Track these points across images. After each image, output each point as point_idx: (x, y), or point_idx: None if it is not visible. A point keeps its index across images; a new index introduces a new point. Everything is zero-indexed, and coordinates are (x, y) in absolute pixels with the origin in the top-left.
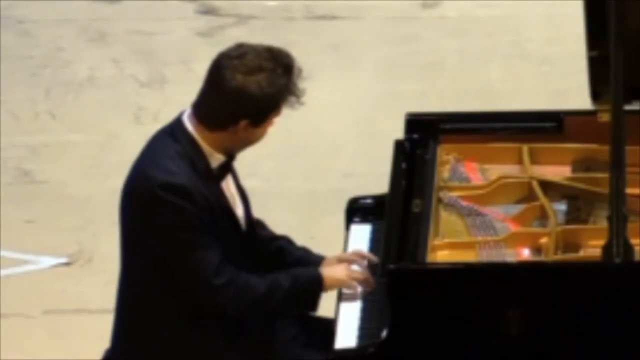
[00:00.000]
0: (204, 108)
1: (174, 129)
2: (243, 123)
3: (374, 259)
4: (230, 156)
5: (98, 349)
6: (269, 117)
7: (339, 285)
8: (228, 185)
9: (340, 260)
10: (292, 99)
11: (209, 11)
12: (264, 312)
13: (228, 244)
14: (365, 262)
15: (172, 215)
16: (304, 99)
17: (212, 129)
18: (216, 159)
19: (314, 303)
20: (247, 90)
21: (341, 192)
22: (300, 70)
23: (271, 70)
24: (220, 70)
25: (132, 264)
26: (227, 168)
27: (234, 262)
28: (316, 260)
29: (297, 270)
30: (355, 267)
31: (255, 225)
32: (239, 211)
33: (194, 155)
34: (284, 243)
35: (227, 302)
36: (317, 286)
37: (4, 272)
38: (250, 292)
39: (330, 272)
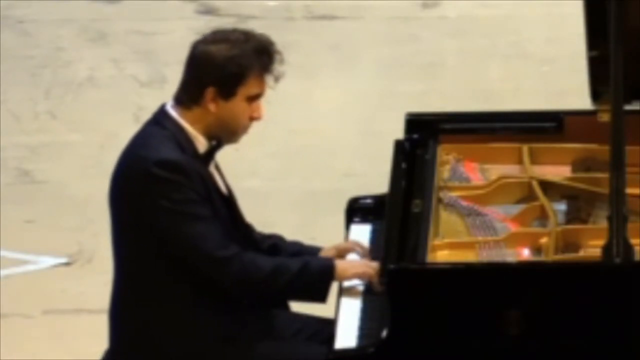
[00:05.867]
0: (178, 88)
1: (159, 118)
2: (210, 92)
3: (368, 253)
4: (217, 143)
5: (98, 349)
6: (237, 88)
7: (353, 272)
8: (216, 175)
9: (338, 250)
10: (268, 77)
11: (209, 11)
12: (268, 292)
13: (226, 227)
14: (363, 255)
15: (169, 191)
16: (304, 98)
17: (187, 106)
18: (202, 144)
19: (323, 292)
20: (208, 54)
21: (341, 192)
22: (280, 55)
23: (237, 41)
24: (191, 49)
25: (129, 256)
26: (213, 152)
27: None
28: (312, 251)
29: (309, 257)
30: (353, 256)
31: (247, 225)
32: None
33: (181, 138)
34: (276, 240)
35: (231, 276)
36: (327, 275)
37: (4, 272)
38: (255, 270)
39: (344, 262)
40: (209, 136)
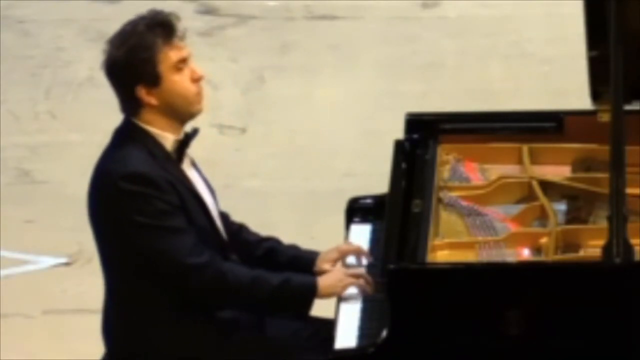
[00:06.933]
0: (119, 105)
1: (124, 128)
2: (140, 90)
3: (370, 258)
4: (186, 135)
5: (98, 349)
6: (156, 70)
7: (336, 291)
8: (190, 171)
9: (339, 252)
10: (176, 41)
11: (209, 11)
12: (245, 303)
13: (203, 230)
14: (363, 259)
15: (138, 205)
16: (304, 98)
17: (135, 113)
18: (169, 140)
19: (304, 309)
20: (114, 61)
21: (341, 192)
22: (172, 14)
23: (129, 33)
24: (103, 68)
25: (114, 267)
26: (183, 148)
27: (214, 251)
28: (309, 257)
29: (292, 274)
30: (351, 260)
31: (231, 223)
32: (207, 198)
33: (148, 143)
34: (273, 243)
35: (204, 283)
36: (309, 292)
37: (4, 272)
38: (232, 278)
39: (326, 280)
40: (176, 124)
